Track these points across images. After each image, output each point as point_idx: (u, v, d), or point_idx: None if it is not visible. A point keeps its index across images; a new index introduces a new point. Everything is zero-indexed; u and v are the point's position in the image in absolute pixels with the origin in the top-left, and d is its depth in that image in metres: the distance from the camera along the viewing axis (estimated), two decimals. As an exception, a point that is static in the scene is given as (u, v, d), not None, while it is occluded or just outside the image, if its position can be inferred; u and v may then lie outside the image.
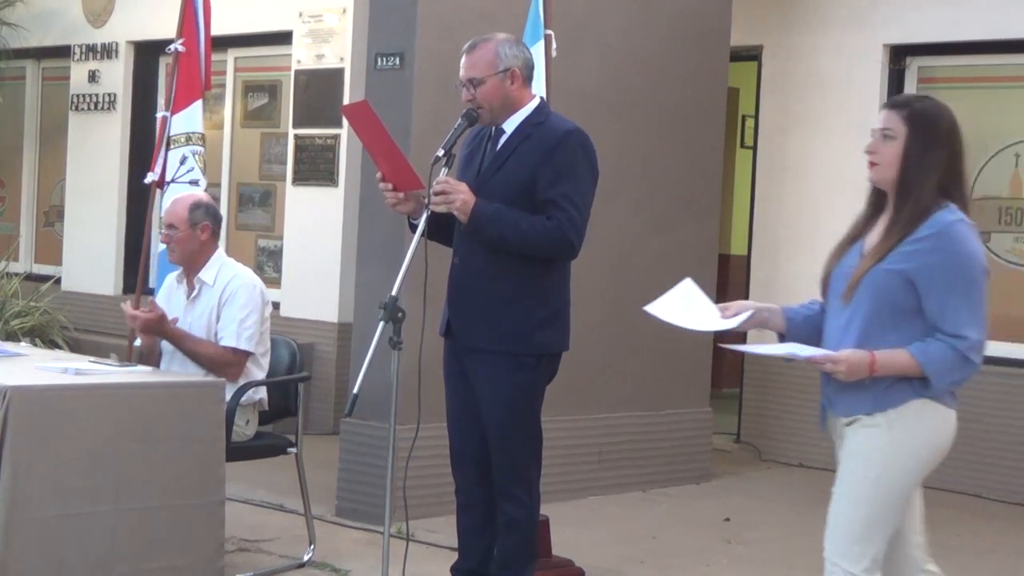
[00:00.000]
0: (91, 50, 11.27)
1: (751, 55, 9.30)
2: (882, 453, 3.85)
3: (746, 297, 8.29)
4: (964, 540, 7.14)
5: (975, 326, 3.80)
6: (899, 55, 8.75)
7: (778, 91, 9.22)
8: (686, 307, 4.20)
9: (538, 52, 6.09)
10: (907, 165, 3.88)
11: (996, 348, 8.33)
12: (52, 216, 12.06)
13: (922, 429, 3.88)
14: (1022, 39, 8.23)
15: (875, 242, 3.92)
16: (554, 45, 6.24)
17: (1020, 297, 8.36)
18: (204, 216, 5.91)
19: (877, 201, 4.02)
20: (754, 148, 9.52)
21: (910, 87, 8.74)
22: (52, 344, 9.89)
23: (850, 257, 3.99)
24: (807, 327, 4.09)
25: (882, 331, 3.85)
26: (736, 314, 4.10)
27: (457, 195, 4.75)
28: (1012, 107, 8.46)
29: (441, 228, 4.94)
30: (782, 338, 4.12)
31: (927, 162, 3.87)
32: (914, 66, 8.75)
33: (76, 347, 9.64)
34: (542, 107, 5.05)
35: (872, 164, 3.95)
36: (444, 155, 4.78)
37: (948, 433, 3.92)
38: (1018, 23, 8.19)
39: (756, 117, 9.48)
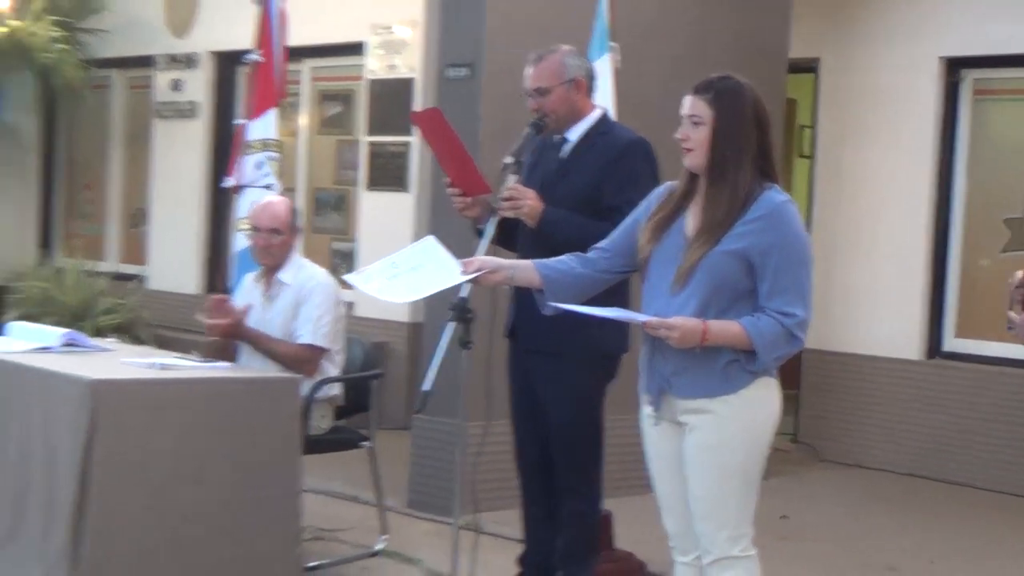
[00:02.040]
0: (174, 60, 11.53)
1: (808, 67, 9.26)
2: (744, 435, 3.91)
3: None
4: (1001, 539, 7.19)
5: (803, 304, 3.85)
6: (954, 67, 8.67)
7: (835, 103, 9.18)
8: (413, 268, 4.23)
9: (604, 65, 6.14)
10: (717, 148, 3.87)
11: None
12: (138, 218, 12.29)
13: (768, 405, 3.96)
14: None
15: (702, 226, 3.90)
16: (618, 57, 6.34)
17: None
18: (297, 219, 6.14)
19: (691, 183, 4.00)
20: (812, 158, 9.50)
21: (965, 99, 8.66)
22: (137, 340, 10.09)
23: (672, 239, 3.97)
24: (566, 281, 4.13)
25: (717, 313, 3.85)
26: (479, 269, 4.15)
27: (525, 201, 4.86)
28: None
29: (506, 233, 5.00)
30: (541, 293, 4.14)
31: (738, 143, 3.87)
32: (969, 78, 8.67)
33: (160, 344, 9.75)
34: (605, 118, 5.14)
35: (686, 151, 3.93)
36: (513, 162, 4.87)
37: (780, 405, 4.01)
38: (1073, 35, 8.11)
39: (813, 128, 9.44)
